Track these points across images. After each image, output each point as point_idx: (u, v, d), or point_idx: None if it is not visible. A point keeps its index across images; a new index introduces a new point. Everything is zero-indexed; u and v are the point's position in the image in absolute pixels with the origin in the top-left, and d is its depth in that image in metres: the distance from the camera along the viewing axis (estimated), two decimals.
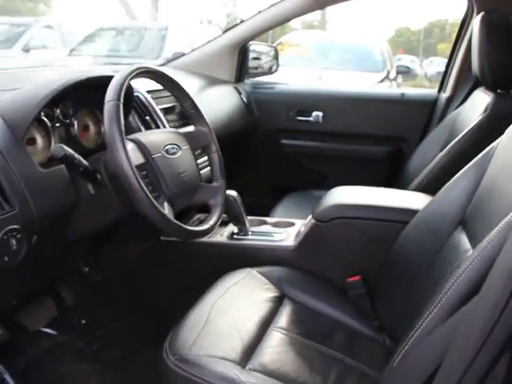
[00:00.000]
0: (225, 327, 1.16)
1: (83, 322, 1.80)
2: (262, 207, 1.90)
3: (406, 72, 7.54)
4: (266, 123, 2.42)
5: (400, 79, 7.97)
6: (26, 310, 1.58)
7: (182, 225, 1.17)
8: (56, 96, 1.17)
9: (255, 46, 2.43)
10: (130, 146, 1.13)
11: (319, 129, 2.36)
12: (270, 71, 2.61)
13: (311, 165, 2.45)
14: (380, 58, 6.40)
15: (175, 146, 1.26)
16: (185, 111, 1.39)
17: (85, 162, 1.15)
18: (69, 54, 7.73)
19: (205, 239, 1.59)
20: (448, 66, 2.29)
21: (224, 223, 1.65)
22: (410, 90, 3.35)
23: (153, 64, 2.24)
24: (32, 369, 1.59)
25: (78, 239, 1.31)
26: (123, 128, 1.08)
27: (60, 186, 1.15)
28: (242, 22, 2.38)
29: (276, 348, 1.15)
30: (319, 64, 5.96)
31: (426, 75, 16.18)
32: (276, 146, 2.43)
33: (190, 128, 1.39)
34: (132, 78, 1.18)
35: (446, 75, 2.29)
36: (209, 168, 1.41)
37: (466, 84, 2.10)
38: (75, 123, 1.33)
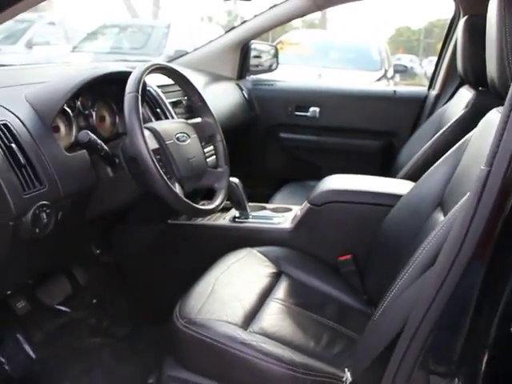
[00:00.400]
0: (228, 296, 1.29)
1: (94, 301, 1.93)
2: (262, 196, 2.01)
3: (403, 71, 7.66)
4: (266, 118, 2.54)
5: (398, 78, 8.08)
6: (44, 287, 1.71)
7: (192, 203, 1.31)
8: (78, 90, 1.31)
9: (256, 45, 2.56)
10: (146, 133, 1.27)
11: (316, 123, 2.48)
12: (270, 69, 2.73)
13: (308, 157, 2.56)
14: (378, 58, 6.49)
15: (185, 135, 1.40)
16: (193, 104, 1.53)
17: (105, 147, 1.29)
18: (72, 50, 7.83)
19: (209, 222, 1.73)
20: (437, 65, 2.41)
21: (226, 209, 1.78)
22: (402, 88, 3.47)
23: (154, 60, 2.38)
24: (48, 342, 1.72)
25: (95, 218, 1.44)
26: (141, 117, 1.22)
27: (82, 168, 1.29)
28: (244, 22, 2.51)
29: (274, 315, 1.28)
30: (319, 63, 6.05)
31: (426, 74, 16.24)
32: (275, 140, 2.55)
33: (198, 119, 1.53)
34: (148, 73, 1.32)
35: (435, 74, 2.42)
36: (214, 156, 1.55)
37: (453, 82, 2.22)
38: (93, 114, 1.47)
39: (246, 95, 2.46)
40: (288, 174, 2.46)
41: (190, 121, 1.51)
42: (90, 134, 1.25)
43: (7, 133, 1.14)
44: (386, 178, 1.73)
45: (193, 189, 1.43)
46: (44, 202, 1.15)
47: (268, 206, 1.85)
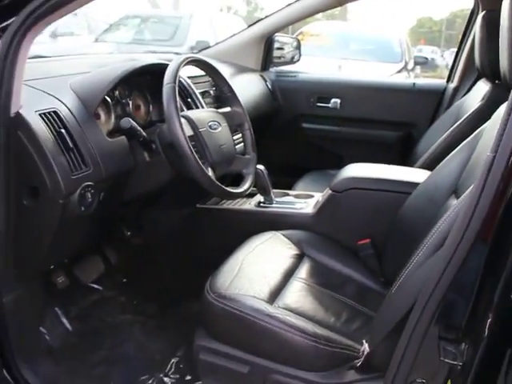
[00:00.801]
0: (254, 274, 1.37)
1: (124, 280, 2.04)
2: (284, 183, 2.08)
3: (423, 63, 7.62)
4: (289, 108, 2.62)
5: (418, 70, 8.06)
6: (80, 266, 1.83)
7: (223, 186, 1.41)
8: (119, 80, 1.41)
9: (279, 38, 2.63)
10: (183, 120, 1.37)
11: (337, 114, 2.55)
12: (292, 61, 2.81)
13: (329, 147, 2.64)
14: (398, 49, 6.47)
15: (216, 123, 1.49)
16: (223, 94, 1.63)
17: (144, 133, 1.39)
18: (94, 40, 7.96)
19: (235, 207, 1.82)
20: (456, 58, 2.47)
21: (252, 194, 1.86)
22: (421, 80, 3.51)
23: (177, 50, 2.47)
24: (83, 317, 1.83)
25: (130, 200, 1.55)
26: (178, 106, 1.31)
27: (122, 152, 1.40)
28: (268, 16, 2.58)
29: (297, 293, 1.36)
30: (339, 54, 6.07)
31: (447, 66, 16.05)
32: (297, 130, 2.63)
33: (227, 109, 1.62)
34: (184, 65, 1.41)
35: (453, 67, 2.47)
36: (242, 143, 1.65)
37: (471, 75, 2.27)
38: (130, 103, 1.58)
39: (269, 86, 2.54)
40: (310, 162, 2.52)
41: (220, 110, 1.61)
42: (131, 121, 1.35)
43: (57, 119, 1.25)
44: (403, 167, 1.79)
45: (223, 173, 1.53)
46: (89, 183, 1.26)
47: (291, 192, 1.93)
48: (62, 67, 1.55)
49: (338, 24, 8.90)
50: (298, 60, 2.79)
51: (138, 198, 1.59)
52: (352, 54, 6.29)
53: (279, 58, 2.74)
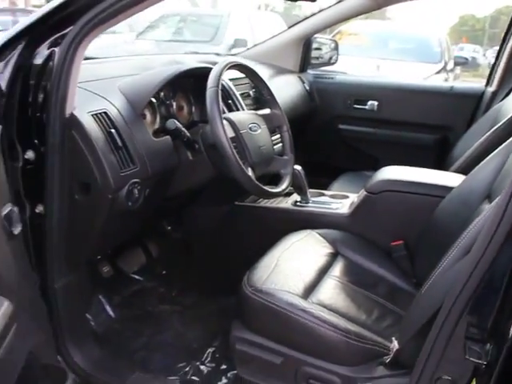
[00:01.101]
0: (290, 271, 1.42)
1: (164, 272, 2.13)
2: (320, 184, 2.12)
3: (463, 63, 7.48)
4: (326, 110, 2.66)
5: (458, 70, 7.93)
6: (124, 257, 1.93)
7: (262, 186, 1.47)
8: (165, 83, 1.49)
9: (317, 38, 2.68)
10: (224, 122, 1.43)
11: (374, 116, 2.58)
12: (329, 62, 2.85)
13: (365, 148, 2.67)
14: (438, 49, 6.38)
15: (256, 125, 1.56)
16: (262, 97, 1.69)
17: (188, 133, 1.47)
18: (135, 38, 8.14)
19: (272, 205, 1.87)
20: (496, 60, 2.45)
21: (288, 194, 1.92)
22: (459, 84, 3.49)
23: (215, 50, 2.54)
24: (125, 305, 1.92)
25: (173, 196, 1.63)
26: (221, 108, 1.38)
27: (167, 151, 1.48)
28: (306, 17, 2.62)
29: (330, 290, 1.41)
30: (377, 53, 6.03)
31: (489, 65, 15.65)
32: (334, 131, 2.67)
33: (267, 111, 1.68)
34: (226, 70, 1.48)
35: (492, 70, 2.46)
36: (281, 144, 1.70)
37: (511, 79, 2.27)
38: (174, 104, 1.66)
39: (307, 87, 2.59)
40: (345, 163, 2.56)
41: (260, 112, 1.67)
42: (177, 122, 1.43)
43: (107, 120, 1.33)
44: (438, 171, 1.81)
45: (262, 173, 1.59)
46: (136, 180, 1.34)
47: (326, 192, 1.97)
48: (110, 69, 1.64)
49: (377, 23, 8.83)
50: (336, 61, 2.83)
51: (180, 195, 1.67)
52: (390, 53, 6.23)
53: (317, 58, 2.78)
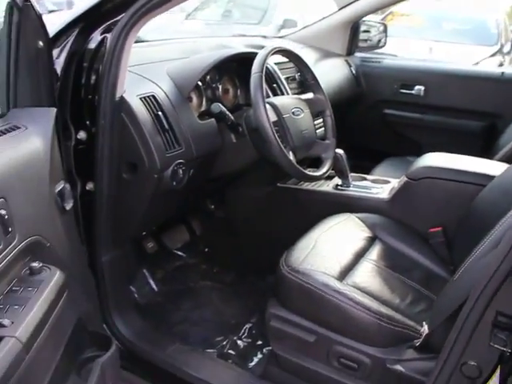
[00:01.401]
0: (327, 252, 1.45)
1: (206, 250, 2.20)
2: (362, 168, 2.12)
3: None
4: (372, 94, 2.64)
5: None
6: (168, 233, 2.01)
7: (302, 169, 1.51)
8: (212, 67, 1.54)
9: (366, 21, 2.65)
10: (267, 107, 1.47)
11: (420, 101, 2.53)
12: (378, 45, 2.81)
13: (409, 134, 2.64)
14: (495, 31, 6.15)
15: (299, 109, 1.59)
16: (306, 82, 1.71)
17: (232, 117, 1.51)
18: (185, 18, 8.19)
19: (314, 188, 1.90)
20: None
21: (330, 177, 1.93)
22: (511, 69, 3.37)
23: (264, 31, 2.56)
24: (167, 280, 2.01)
25: (216, 177, 1.68)
26: (264, 93, 1.42)
27: (211, 134, 1.53)
28: (355, 0, 2.59)
29: (366, 273, 1.43)
30: (430, 35, 5.87)
31: None
32: (379, 115, 2.65)
33: (310, 95, 1.71)
34: (271, 55, 1.51)
35: None
36: (323, 128, 1.73)
37: None
38: (219, 87, 1.70)
39: (353, 71, 2.58)
40: (389, 148, 2.53)
41: (303, 96, 1.70)
42: (221, 106, 1.48)
43: (155, 103, 1.39)
44: (481, 159, 1.78)
45: (303, 157, 1.62)
46: (181, 161, 1.40)
47: (368, 177, 1.97)
48: (159, 53, 1.70)
49: (431, 3, 8.56)
50: (384, 44, 2.79)
51: (223, 176, 1.72)
52: (444, 35, 6.04)
53: (365, 41, 2.75)
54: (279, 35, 2.72)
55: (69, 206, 1.22)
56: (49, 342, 1.01)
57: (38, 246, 1.08)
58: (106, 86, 1.31)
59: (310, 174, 1.58)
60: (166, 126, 1.38)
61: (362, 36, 2.72)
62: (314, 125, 1.67)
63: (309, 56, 2.39)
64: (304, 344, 1.34)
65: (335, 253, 1.47)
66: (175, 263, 2.09)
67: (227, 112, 1.51)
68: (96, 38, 1.34)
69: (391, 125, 2.67)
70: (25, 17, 1.14)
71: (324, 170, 1.63)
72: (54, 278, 1.03)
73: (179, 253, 2.13)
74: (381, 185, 1.87)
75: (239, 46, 1.78)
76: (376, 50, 2.85)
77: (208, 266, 2.13)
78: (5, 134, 1.07)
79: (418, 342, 1.21)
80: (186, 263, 2.12)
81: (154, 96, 1.40)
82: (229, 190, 2.05)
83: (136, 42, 1.72)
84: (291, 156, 1.50)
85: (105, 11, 1.30)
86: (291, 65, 2.00)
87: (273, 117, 1.49)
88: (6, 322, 0.88)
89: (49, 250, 1.11)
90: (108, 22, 1.31)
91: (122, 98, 1.34)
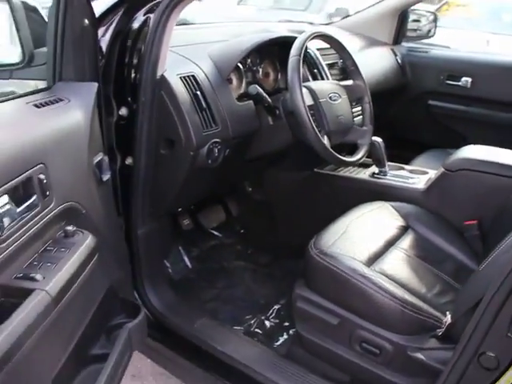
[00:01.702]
0: (357, 238, 1.46)
1: (242, 231, 2.24)
2: (403, 158, 2.09)
3: None
4: (417, 84, 2.59)
5: None
6: (204, 212, 2.06)
7: (336, 154, 1.51)
8: (252, 50, 1.56)
9: (416, 10, 2.60)
10: (304, 90, 1.49)
11: (466, 93, 2.46)
12: (427, 35, 2.76)
13: (454, 126, 2.58)
14: None
15: (337, 95, 1.59)
16: (346, 68, 1.71)
17: (269, 99, 1.54)
18: (238, 3, 8.21)
19: (350, 175, 1.90)
20: None
21: (367, 165, 1.93)
22: None
23: (313, 18, 2.56)
24: (202, 258, 2.06)
25: (253, 159, 1.71)
26: (301, 77, 1.43)
27: (249, 115, 1.56)
28: None
29: (395, 261, 1.44)
30: (488, 27, 5.68)
31: None
32: (423, 106, 2.60)
33: (349, 82, 1.71)
34: (310, 40, 1.52)
35: None
36: (361, 116, 1.72)
37: None
38: (260, 70, 1.73)
39: (399, 61, 2.54)
40: (432, 140, 2.50)
41: (342, 82, 1.70)
42: (258, 88, 1.50)
43: (194, 82, 1.43)
44: None
45: (339, 142, 1.63)
46: (217, 140, 1.44)
47: (406, 167, 1.95)
48: (203, 35, 1.73)
49: None
50: (434, 35, 2.73)
51: (260, 158, 1.75)
52: (504, 27, 5.81)
53: (415, 30, 2.70)
54: (325, 23, 2.70)
55: (106, 177, 1.28)
56: (78, 301, 1.07)
57: (74, 212, 1.13)
58: (148, 65, 1.36)
59: (344, 158, 1.58)
60: (204, 106, 1.41)
61: (412, 25, 2.67)
62: (352, 111, 1.67)
63: (354, 43, 2.38)
64: (327, 326, 1.36)
65: (365, 239, 1.48)
66: (211, 242, 2.14)
67: (264, 94, 1.53)
68: (139, 18, 1.38)
69: (435, 116, 2.62)
70: None
71: (359, 156, 1.64)
72: (86, 241, 1.09)
73: (215, 232, 2.18)
74: (418, 175, 1.86)
75: (282, 31, 1.79)
76: (425, 41, 2.79)
77: (243, 246, 2.17)
78: (49, 105, 1.13)
79: (440, 332, 1.21)
80: (221, 243, 2.17)
81: (193, 76, 1.44)
82: (266, 173, 2.07)
83: (182, 24, 1.77)
84: (325, 140, 1.51)
85: None
86: (334, 51, 2.00)
87: (309, 101, 1.51)
88: (38, 276, 0.95)
89: (84, 217, 1.16)
90: (151, 3, 1.35)
91: (162, 76, 1.38)
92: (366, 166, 1.94)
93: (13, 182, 0.92)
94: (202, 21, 2.18)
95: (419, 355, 1.23)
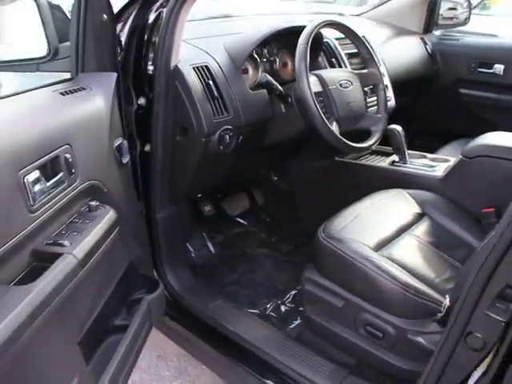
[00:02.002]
0: (369, 223, 1.48)
1: (268, 219, 2.29)
2: (432, 148, 2.09)
3: None
4: (448, 73, 2.55)
5: None
6: (228, 200, 2.12)
7: (344, 139, 1.53)
8: (264, 40, 1.61)
9: (446, 1, 2.57)
10: (313, 78, 1.52)
11: (499, 81, 2.41)
12: (465, 22, 2.71)
13: (485, 114, 2.52)
14: None
15: (348, 82, 1.61)
16: (361, 55, 1.72)
17: (280, 87, 1.58)
18: None
19: (370, 163, 1.91)
20: None
21: (389, 154, 1.94)
22: None
23: (354, 10, 2.55)
24: (225, 244, 2.12)
25: (269, 146, 1.75)
26: (308, 65, 1.46)
27: (261, 103, 1.60)
28: None
29: (405, 246, 1.44)
30: None
31: None
32: (454, 95, 2.56)
33: (364, 70, 1.72)
34: (319, 28, 1.55)
35: None
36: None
37: None
38: (277, 60, 1.77)
39: (429, 50, 2.51)
40: (463, 129, 2.44)
41: (357, 71, 1.71)
42: (268, 76, 1.55)
43: (207, 72, 1.49)
44: None
45: (350, 129, 1.64)
46: (228, 127, 1.49)
47: (428, 155, 1.94)
48: (221, 28, 1.79)
49: None
50: (468, 21, 2.69)
51: (276, 145, 1.79)
52: None
53: (451, 18, 2.67)
54: (355, 14, 2.70)
55: (125, 159, 1.37)
56: (102, 268, 1.17)
57: (97, 190, 1.23)
58: (161, 57, 1.43)
59: (354, 144, 1.59)
60: (216, 94, 1.47)
61: (448, 14, 2.64)
62: (365, 98, 1.68)
63: (381, 34, 2.38)
64: (333, 309, 1.39)
65: (378, 225, 1.49)
66: (235, 230, 2.20)
67: (274, 82, 1.57)
68: (154, 12, 1.45)
69: (467, 105, 2.57)
70: None
71: (370, 142, 1.64)
72: (108, 214, 1.20)
73: (241, 220, 2.24)
74: (438, 163, 1.84)
75: (301, 21, 1.81)
76: (464, 29, 2.74)
77: (267, 234, 2.22)
78: (73, 93, 1.23)
79: (440, 315, 1.22)
80: (246, 231, 2.22)
81: (207, 66, 1.49)
82: (291, 163, 2.11)
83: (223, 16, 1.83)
84: (334, 126, 1.53)
85: None
86: None
87: (318, 88, 1.53)
88: (65, 242, 1.05)
89: (106, 195, 1.26)
90: None
91: (176, 67, 1.45)
92: (388, 154, 1.95)
93: (43, 159, 1.02)
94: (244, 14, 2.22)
95: (420, 339, 1.24)
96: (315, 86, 1.52)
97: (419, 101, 2.60)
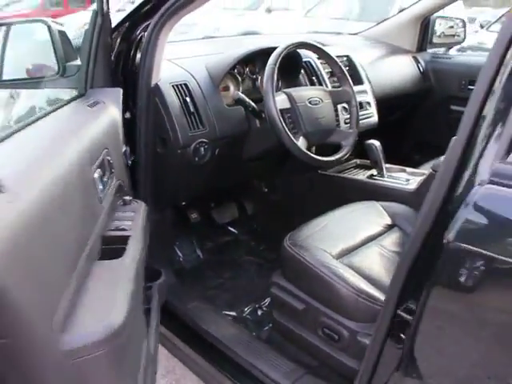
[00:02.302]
0: (336, 233, 1.56)
1: (259, 229, 2.38)
2: (418, 162, 2.16)
3: None
4: (440, 90, 2.62)
5: None
6: (217, 208, 2.23)
7: (311, 154, 1.63)
8: (243, 59, 1.72)
9: (441, 20, 2.65)
10: (282, 96, 1.63)
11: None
12: (463, 40, 2.80)
13: None
14: None
15: (318, 99, 1.71)
16: (334, 74, 1.82)
17: (253, 104, 1.69)
18: (304, 15, 8.33)
19: (349, 176, 2.00)
20: None
21: (369, 168, 2.03)
22: None
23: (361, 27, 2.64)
24: (214, 251, 2.22)
25: (250, 158, 1.86)
26: (274, 84, 1.57)
27: (238, 118, 1.72)
28: None
29: (368, 255, 1.50)
30: None
31: None
32: (445, 112, 2.62)
33: (338, 88, 1.81)
34: (289, 50, 1.65)
35: None
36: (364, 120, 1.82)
37: None
38: (259, 78, 1.88)
39: (421, 68, 2.59)
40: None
41: (330, 89, 1.81)
42: (240, 94, 1.67)
43: (185, 89, 1.61)
44: None
45: (321, 143, 1.74)
46: (203, 140, 1.61)
47: (408, 169, 2.02)
48: (201, 49, 1.92)
49: None
50: (464, 40, 2.77)
51: (258, 157, 1.89)
52: None
53: (453, 36, 2.75)
54: (353, 33, 2.79)
55: (129, 163, 1.53)
56: (144, 251, 1.30)
57: (122, 189, 1.38)
58: (142, 75, 1.56)
59: (319, 158, 1.68)
60: (192, 110, 1.59)
61: (450, 31, 2.71)
62: (336, 114, 1.77)
63: (374, 52, 2.47)
64: (295, 312, 1.47)
65: (344, 234, 1.56)
66: (225, 238, 2.30)
67: (247, 99, 1.68)
68: (137, 35, 1.58)
69: (456, 121, 2.61)
70: (105, 20, 1.42)
71: (338, 155, 1.73)
72: (143, 206, 1.37)
73: (231, 229, 2.34)
74: (415, 177, 1.91)
75: (278, 42, 1.92)
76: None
77: (257, 243, 2.32)
78: (94, 106, 1.37)
79: None
80: (236, 239, 2.33)
81: (185, 84, 1.62)
82: (280, 176, 2.20)
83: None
84: (301, 141, 1.63)
85: (143, 13, 1.55)
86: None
87: (286, 105, 1.63)
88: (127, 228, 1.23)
89: (126, 193, 1.41)
90: (146, 23, 1.55)
91: (156, 85, 1.57)
92: (370, 168, 2.02)
93: (98, 159, 1.18)
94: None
95: (367, 341, 1.31)
96: (284, 103, 1.62)
97: (414, 116, 2.67)
